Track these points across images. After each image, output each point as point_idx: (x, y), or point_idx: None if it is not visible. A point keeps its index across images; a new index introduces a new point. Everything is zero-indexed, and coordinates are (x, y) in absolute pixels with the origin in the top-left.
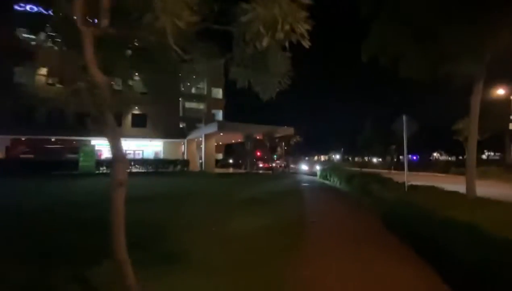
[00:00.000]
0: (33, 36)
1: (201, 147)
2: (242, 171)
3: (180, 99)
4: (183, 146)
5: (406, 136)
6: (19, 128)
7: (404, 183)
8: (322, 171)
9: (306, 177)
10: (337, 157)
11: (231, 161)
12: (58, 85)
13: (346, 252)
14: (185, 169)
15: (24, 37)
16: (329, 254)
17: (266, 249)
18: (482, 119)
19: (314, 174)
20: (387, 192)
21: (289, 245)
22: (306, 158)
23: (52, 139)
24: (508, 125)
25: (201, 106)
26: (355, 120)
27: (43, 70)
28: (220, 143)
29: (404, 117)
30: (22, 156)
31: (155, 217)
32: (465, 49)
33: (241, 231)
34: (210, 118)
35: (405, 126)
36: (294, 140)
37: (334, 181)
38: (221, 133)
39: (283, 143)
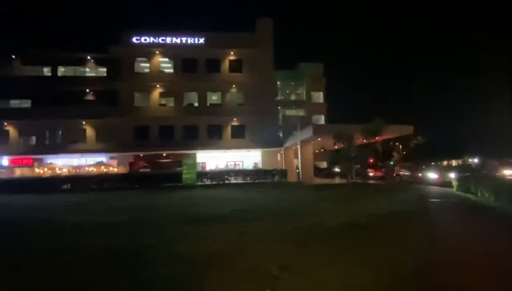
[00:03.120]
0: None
1: (298, 155)
2: (348, 181)
3: (279, 107)
4: (279, 155)
5: None
6: (138, 146)
7: None
8: (462, 180)
9: (434, 189)
10: (475, 160)
11: (336, 169)
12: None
13: None
14: (284, 179)
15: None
16: None
17: None
18: None
19: (447, 185)
20: None
21: None
22: (433, 163)
23: (164, 154)
24: None
25: (301, 112)
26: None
27: (157, 93)
28: (322, 150)
29: None
30: (141, 170)
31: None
32: None
33: None
34: (308, 124)
35: None
36: (415, 141)
37: (485, 196)
38: (319, 139)
39: (400, 146)
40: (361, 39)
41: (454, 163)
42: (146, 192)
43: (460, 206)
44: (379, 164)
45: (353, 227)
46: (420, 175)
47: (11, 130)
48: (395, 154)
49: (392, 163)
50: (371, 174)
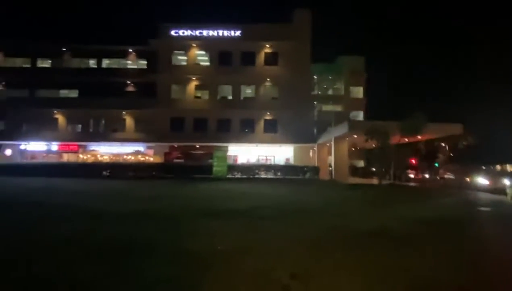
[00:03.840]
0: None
1: (332, 152)
2: (385, 182)
3: (315, 102)
4: (311, 151)
5: None
6: (173, 137)
7: None
8: None
9: (484, 196)
10: None
11: (374, 169)
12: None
13: None
14: (316, 176)
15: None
16: None
17: None
18: None
19: (500, 192)
20: None
21: None
22: (484, 167)
23: (197, 146)
24: None
25: (338, 108)
26: None
27: (192, 86)
28: (358, 148)
29: None
30: (175, 160)
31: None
32: None
33: None
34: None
35: None
36: (464, 142)
37: None
38: (355, 136)
39: (447, 147)
40: (406, 32)
41: (509, 168)
42: (177, 182)
43: None
44: (422, 165)
45: (380, 234)
46: (468, 179)
47: (60, 118)
48: (440, 155)
49: (437, 164)
50: (411, 176)
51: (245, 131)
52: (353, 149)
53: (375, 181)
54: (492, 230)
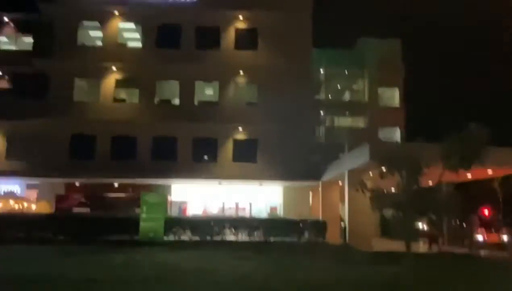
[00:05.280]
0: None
1: (345, 196)
2: (408, 249)
3: (321, 112)
4: (311, 193)
5: None
6: (75, 168)
7: None
8: None
9: None
10: None
11: (421, 224)
12: (130, 102)
13: None
14: (320, 238)
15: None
16: None
17: None
18: None
19: None
20: None
21: None
22: None
23: (116, 185)
24: None
25: (360, 122)
26: None
27: (111, 81)
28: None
29: None
30: (76, 209)
31: None
32: None
33: None
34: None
35: None
36: None
37: None
38: (382, 168)
39: None
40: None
41: None
42: (70, 251)
43: None
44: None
45: None
46: None
47: None
48: None
49: None
50: (480, 239)
51: (201, 160)
52: (383, 190)
53: (421, 246)
54: None
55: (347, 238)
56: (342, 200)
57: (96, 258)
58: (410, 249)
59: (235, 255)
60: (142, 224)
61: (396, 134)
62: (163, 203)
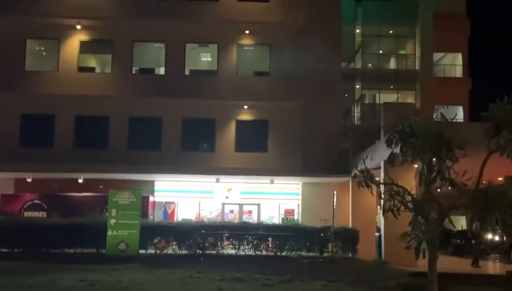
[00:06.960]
0: None
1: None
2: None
3: (356, 86)
4: (335, 193)
5: None
6: (26, 158)
7: None
8: None
9: None
10: None
11: (489, 236)
12: (100, 71)
13: None
14: (350, 253)
15: None
16: None
17: None
18: None
19: None
20: None
21: None
22: None
23: (80, 180)
24: None
25: (410, 98)
26: None
27: (75, 43)
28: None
29: None
30: (25, 214)
31: None
32: None
33: None
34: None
35: None
36: None
37: None
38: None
39: None
40: None
41: None
42: (3, 271)
43: None
44: None
45: None
46: None
47: None
48: None
49: None
50: None
51: (195, 148)
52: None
53: (490, 266)
54: None
55: (383, 253)
56: (379, 202)
57: (33, 280)
58: (478, 265)
59: (229, 276)
60: (110, 233)
61: (458, 116)
62: (138, 203)
